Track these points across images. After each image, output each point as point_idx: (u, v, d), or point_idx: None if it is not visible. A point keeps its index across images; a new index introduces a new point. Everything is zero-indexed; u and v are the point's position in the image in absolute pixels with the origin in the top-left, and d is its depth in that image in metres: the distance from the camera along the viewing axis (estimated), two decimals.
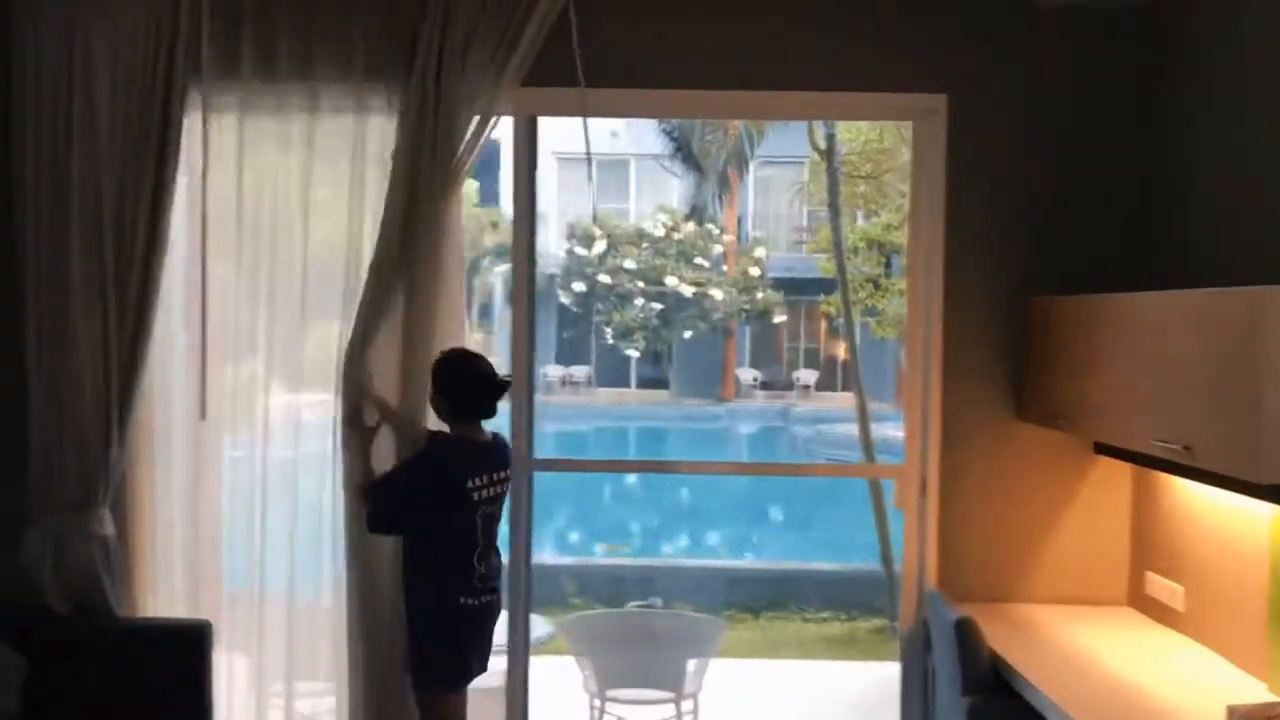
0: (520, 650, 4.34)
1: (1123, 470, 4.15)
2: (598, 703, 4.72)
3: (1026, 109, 4.14)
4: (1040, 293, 4.03)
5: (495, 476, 3.65)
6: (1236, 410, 2.73)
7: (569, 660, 4.94)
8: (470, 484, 3.55)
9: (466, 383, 3.63)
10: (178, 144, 3.86)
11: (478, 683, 4.78)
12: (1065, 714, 3.09)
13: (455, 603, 3.58)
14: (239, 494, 4.08)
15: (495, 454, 3.71)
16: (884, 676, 6.28)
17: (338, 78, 3.93)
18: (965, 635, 3.55)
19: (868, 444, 9.00)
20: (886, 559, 8.52)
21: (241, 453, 4.07)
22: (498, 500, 3.68)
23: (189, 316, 4.06)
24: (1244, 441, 2.69)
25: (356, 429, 3.71)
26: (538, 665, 5.13)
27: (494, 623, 3.73)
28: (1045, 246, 4.14)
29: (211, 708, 3.83)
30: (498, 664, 4.68)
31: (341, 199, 3.97)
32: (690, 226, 23.76)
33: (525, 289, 4.39)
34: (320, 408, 3.94)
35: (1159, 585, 3.95)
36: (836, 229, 9.11)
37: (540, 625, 4.89)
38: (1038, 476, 4.18)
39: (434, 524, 3.56)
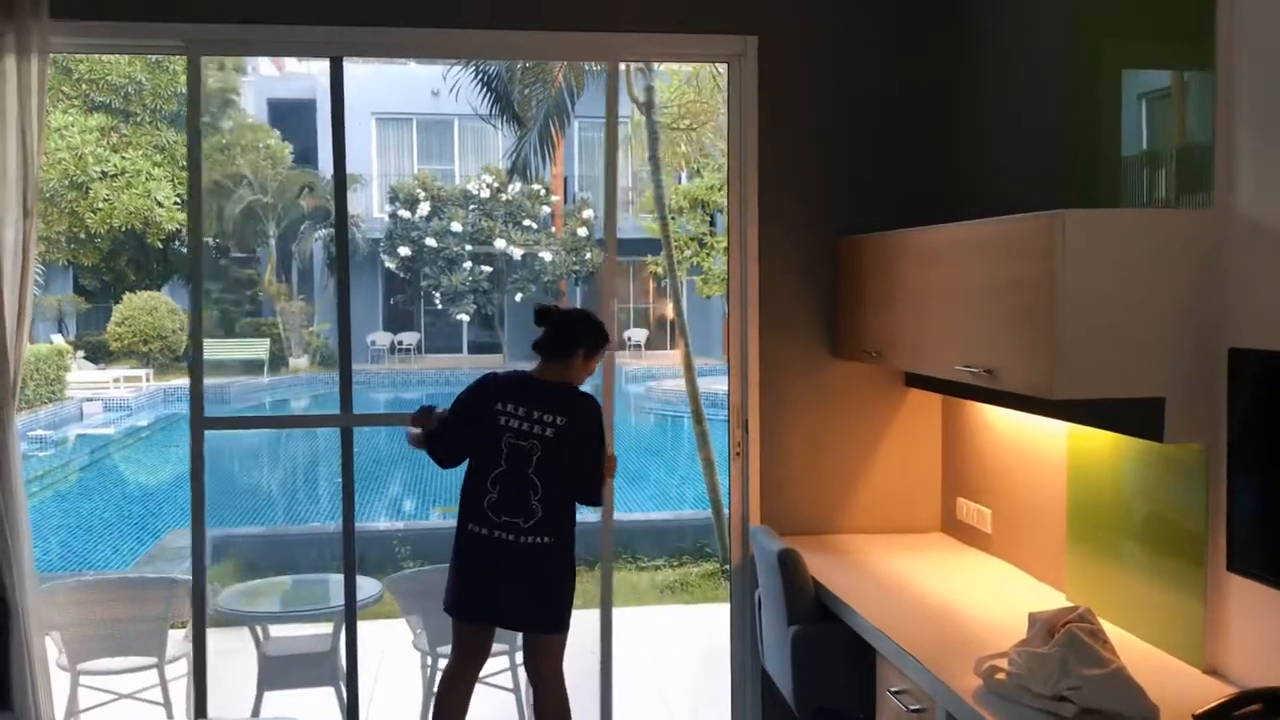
0: (348, 610, 4.23)
1: (933, 401, 4.31)
2: (430, 660, 4.64)
3: (833, 51, 4.22)
4: (852, 233, 4.13)
5: (537, 415, 3.68)
6: (1031, 331, 2.84)
7: (399, 622, 4.84)
8: (500, 406, 3.71)
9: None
10: None
11: (296, 647, 4.69)
12: (883, 634, 3.19)
13: (464, 528, 3.71)
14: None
15: (549, 396, 3.72)
16: (717, 617, 6.43)
17: None
18: (788, 566, 3.63)
19: (694, 393, 9.13)
20: (715, 504, 8.67)
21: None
22: (535, 438, 3.66)
23: None
24: (1039, 361, 2.81)
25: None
26: (368, 628, 5.06)
27: (510, 565, 3.63)
28: (855, 188, 4.23)
29: (10, 686, 3.62)
30: (322, 629, 4.58)
31: None
32: (517, 187, 23.53)
33: (341, 247, 4.23)
34: None
35: (969, 509, 4.13)
36: (658, 184, 9.14)
37: (368, 585, 4.76)
38: (853, 411, 4.30)
39: (466, 441, 3.76)
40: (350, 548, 4.21)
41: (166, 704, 4.50)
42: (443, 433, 3.80)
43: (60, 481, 14.06)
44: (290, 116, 25.76)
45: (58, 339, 21.68)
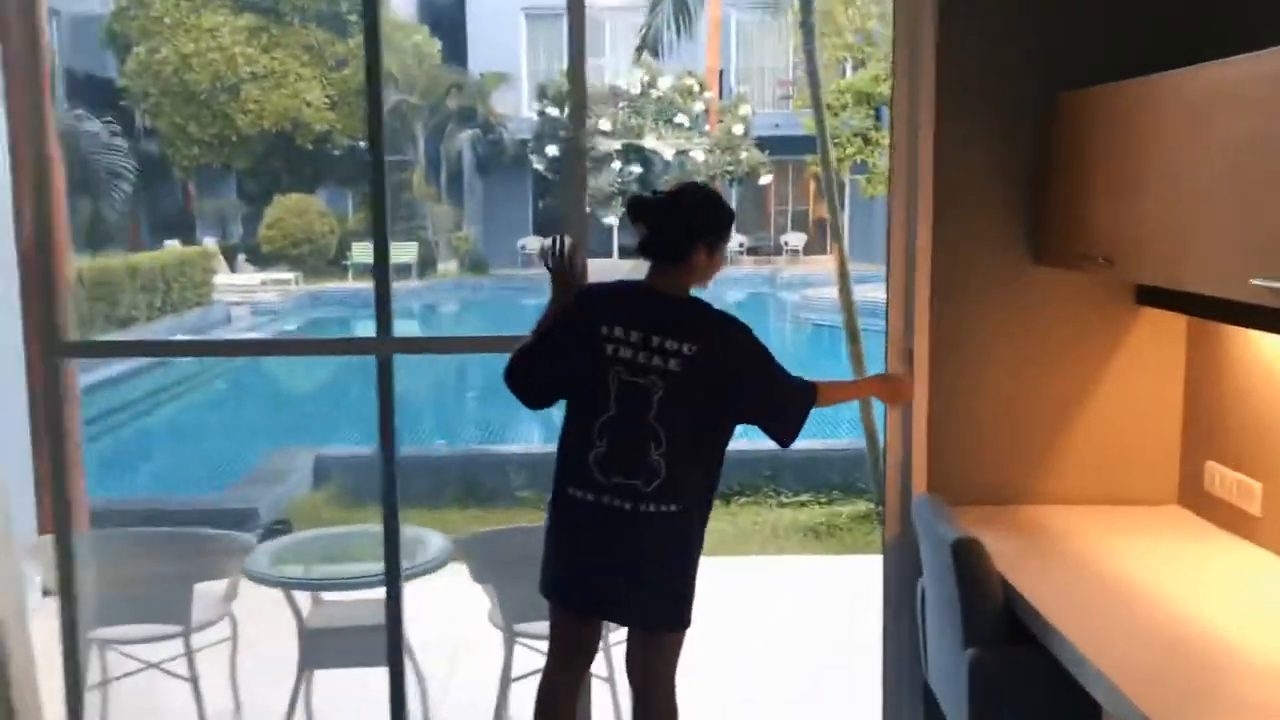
0: (391, 570, 3.38)
1: (1175, 325, 3.11)
2: (509, 641, 3.76)
3: None
4: (1071, 87, 2.93)
5: (657, 341, 2.71)
6: None
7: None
8: (605, 330, 2.75)
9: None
10: None
11: (345, 617, 3.88)
12: (1107, 679, 2.11)
13: (563, 491, 2.82)
14: None
15: (673, 316, 2.75)
16: (870, 572, 5.39)
17: None
18: (967, 563, 2.55)
19: (848, 305, 7.96)
20: (870, 434, 7.56)
21: None
22: (655, 372, 2.70)
23: None
24: None
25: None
26: (437, 590, 4.19)
27: (624, 540, 2.73)
28: (1071, 30, 3.02)
29: None
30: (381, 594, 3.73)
31: None
32: (668, 82, 22.32)
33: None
34: None
35: (1225, 479, 2.95)
36: (810, 55, 7.91)
37: (433, 543, 3.90)
38: (1060, 338, 3.15)
39: (558, 376, 2.81)
40: (391, 501, 3.33)
41: (193, 678, 3.76)
42: (530, 360, 2.84)
43: (202, 386, 13.81)
44: (439, 12, 25.04)
45: (209, 242, 21.75)
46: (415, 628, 4.07)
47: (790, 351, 16.19)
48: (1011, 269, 3.12)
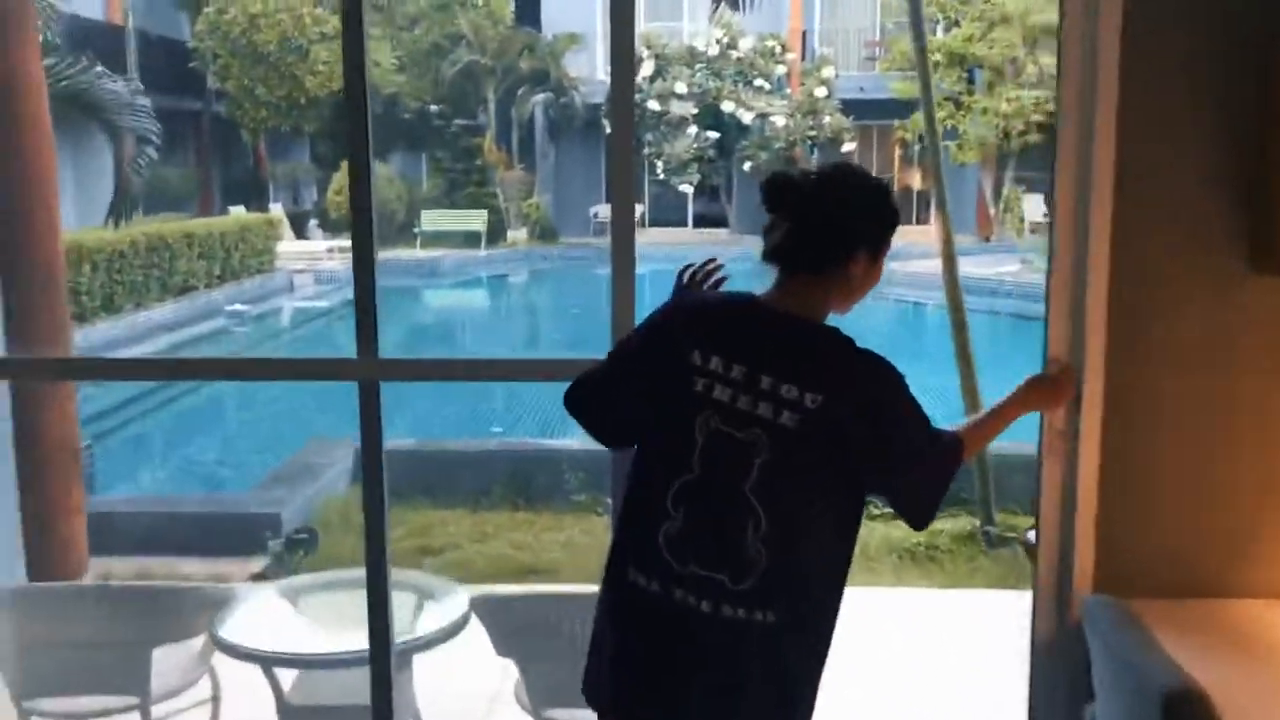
0: (380, 635, 2.65)
1: None
2: None
3: None
4: None
5: (768, 383, 1.91)
6: None
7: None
8: (696, 359, 1.96)
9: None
10: None
11: (334, 692, 3.16)
12: None
13: (620, 575, 2.03)
14: None
15: (795, 348, 1.95)
16: (979, 615, 4.55)
17: None
18: None
19: (954, 285, 7.04)
20: None
21: None
22: (760, 425, 1.89)
23: None
24: None
25: None
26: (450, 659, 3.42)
27: (699, 654, 1.93)
28: None
29: None
30: None
31: None
32: (748, 43, 21.38)
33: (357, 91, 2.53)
34: None
35: None
36: (916, 9, 7.00)
37: (448, 603, 3.16)
38: None
39: (634, 412, 2.05)
40: (379, 562, 2.59)
41: None
42: (597, 386, 2.12)
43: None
44: None
45: (276, 208, 21.35)
46: (431, 691, 3.39)
47: (867, 326, 15.23)
48: (1218, 279, 2.27)
